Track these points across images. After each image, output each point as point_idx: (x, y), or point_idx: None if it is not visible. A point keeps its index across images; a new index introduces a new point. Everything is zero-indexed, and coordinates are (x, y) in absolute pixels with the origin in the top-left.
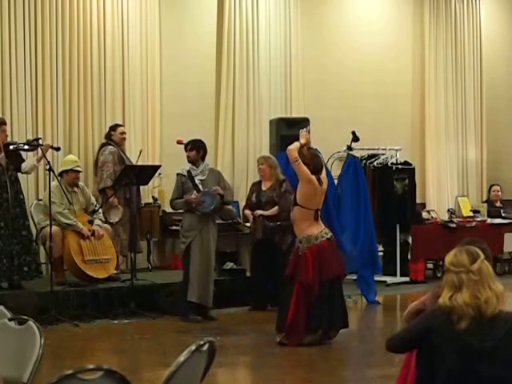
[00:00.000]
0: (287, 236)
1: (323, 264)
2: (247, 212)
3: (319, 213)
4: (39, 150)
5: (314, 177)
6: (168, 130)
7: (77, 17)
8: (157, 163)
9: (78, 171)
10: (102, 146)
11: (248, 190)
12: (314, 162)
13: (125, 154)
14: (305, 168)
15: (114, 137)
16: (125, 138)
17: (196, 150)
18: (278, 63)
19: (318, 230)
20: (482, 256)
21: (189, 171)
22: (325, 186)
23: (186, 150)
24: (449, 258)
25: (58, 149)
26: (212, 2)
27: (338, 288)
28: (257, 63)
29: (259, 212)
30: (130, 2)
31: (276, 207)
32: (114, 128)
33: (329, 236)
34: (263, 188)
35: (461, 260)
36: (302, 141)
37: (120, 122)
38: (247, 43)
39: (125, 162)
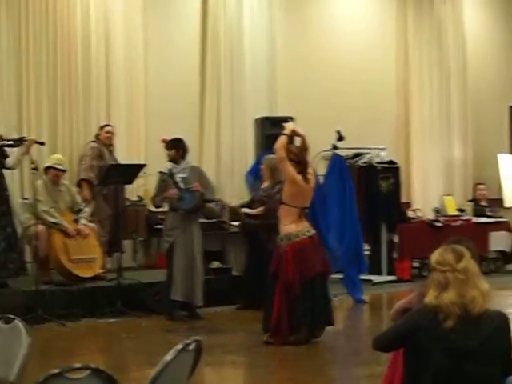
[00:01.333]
0: (273, 235)
1: (304, 262)
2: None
3: (306, 211)
4: (24, 144)
5: (299, 177)
6: (153, 128)
7: (61, 15)
8: (142, 162)
9: (59, 169)
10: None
11: (232, 189)
12: (303, 158)
13: (112, 153)
14: (290, 168)
15: (100, 136)
16: (110, 137)
17: (175, 148)
18: (262, 62)
19: (300, 228)
20: (468, 255)
21: (170, 169)
22: (312, 183)
23: (167, 149)
24: (434, 256)
25: (42, 143)
26: (196, 1)
27: (321, 285)
28: (241, 62)
29: (244, 210)
30: (115, 1)
31: (262, 207)
32: (102, 127)
33: (311, 234)
34: (261, 187)
35: (447, 259)
36: (287, 131)
37: (105, 121)
38: (232, 42)
39: (105, 158)
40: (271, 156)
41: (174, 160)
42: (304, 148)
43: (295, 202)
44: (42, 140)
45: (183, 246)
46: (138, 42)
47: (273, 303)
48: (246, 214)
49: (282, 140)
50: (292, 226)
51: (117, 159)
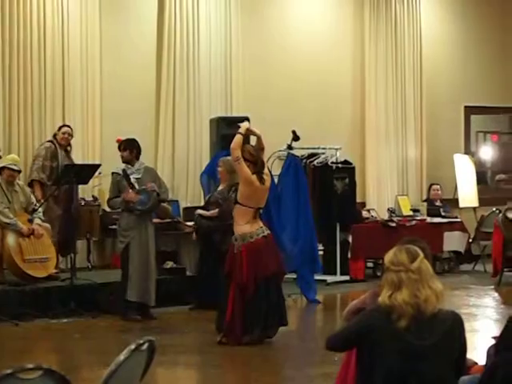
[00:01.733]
0: (227, 237)
1: (258, 262)
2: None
3: (260, 211)
4: None
5: (254, 177)
6: (108, 128)
7: (17, 15)
8: (97, 162)
9: (14, 170)
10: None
11: (187, 189)
12: (260, 158)
13: (68, 154)
14: (245, 169)
15: (57, 136)
16: (66, 138)
17: (129, 149)
18: (218, 62)
19: (254, 228)
20: (422, 255)
21: (124, 170)
22: (267, 183)
23: (120, 150)
24: (388, 256)
25: None
26: (153, 1)
27: (275, 286)
28: (197, 62)
29: (198, 211)
30: (71, 1)
31: (217, 209)
32: (59, 128)
33: (265, 234)
34: (218, 189)
35: (400, 259)
36: (242, 130)
37: (60, 121)
38: (188, 42)
39: (59, 159)
40: (228, 158)
41: (127, 161)
42: (260, 148)
43: (250, 203)
44: None
45: (139, 246)
46: (94, 41)
47: (227, 303)
48: (201, 216)
49: (237, 139)
50: (247, 227)
51: (73, 160)
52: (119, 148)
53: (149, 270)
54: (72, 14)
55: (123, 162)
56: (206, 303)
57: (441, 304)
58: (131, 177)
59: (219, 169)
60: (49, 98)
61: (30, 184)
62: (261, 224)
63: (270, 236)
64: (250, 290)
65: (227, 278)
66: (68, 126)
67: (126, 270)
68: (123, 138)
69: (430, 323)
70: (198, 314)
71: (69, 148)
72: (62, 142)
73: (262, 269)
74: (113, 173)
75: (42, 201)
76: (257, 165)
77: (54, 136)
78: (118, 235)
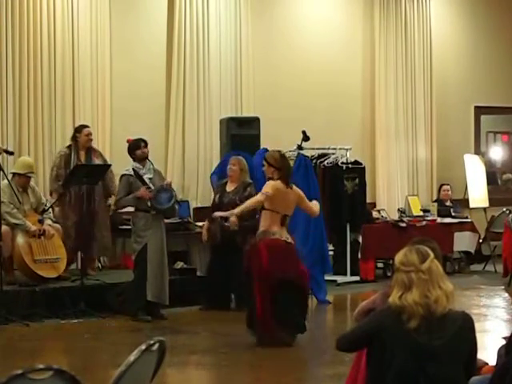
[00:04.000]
0: (248, 237)
1: (277, 259)
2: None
3: (287, 219)
4: None
5: (278, 182)
6: (118, 128)
7: (27, 16)
8: (107, 162)
9: (30, 177)
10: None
11: (197, 189)
12: (286, 167)
13: (90, 154)
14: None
15: (79, 139)
16: (91, 139)
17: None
18: (228, 62)
19: (279, 232)
20: (432, 255)
21: (134, 170)
22: (296, 189)
23: (140, 147)
24: (399, 257)
25: (11, 153)
26: (163, 1)
27: (299, 297)
28: (207, 62)
29: (217, 214)
30: (81, 1)
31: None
32: (79, 130)
33: (288, 240)
34: (227, 189)
35: (411, 259)
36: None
37: (70, 121)
38: (197, 42)
39: (71, 165)
40: (241, 157)
41: (146, 158)
42: (287, 162)
43: (277, 207)
44: (8, 149)
45: (155, 246)
46: (104, 41)
47: (253, 300)
48: (222, 218)
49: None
50: (272, 227)
51: (94, 159)
52: (138, 146)
53: (163, 269)
54: (82, 15)
55: (143, 160)
56: (218, 303)
57: (451, 304)
58: (144, 177)
59: (233, 167)
60: (59, 98)
61: (50, 193)
62: (286, 233)
63: (292, 245)
64: (271, 278)
65: (247, 275)
66: (89, 126)
67: (144, 271)
68: (133, 138)
69: (441, 323)
70: (208, 314)
71: (90, 148)
72: (86, 144)
73: (282, 268)
74: (123, 175)
75: (50, 204)
76: (281, 171)
77: (75, 139)
78: (134, 236)
